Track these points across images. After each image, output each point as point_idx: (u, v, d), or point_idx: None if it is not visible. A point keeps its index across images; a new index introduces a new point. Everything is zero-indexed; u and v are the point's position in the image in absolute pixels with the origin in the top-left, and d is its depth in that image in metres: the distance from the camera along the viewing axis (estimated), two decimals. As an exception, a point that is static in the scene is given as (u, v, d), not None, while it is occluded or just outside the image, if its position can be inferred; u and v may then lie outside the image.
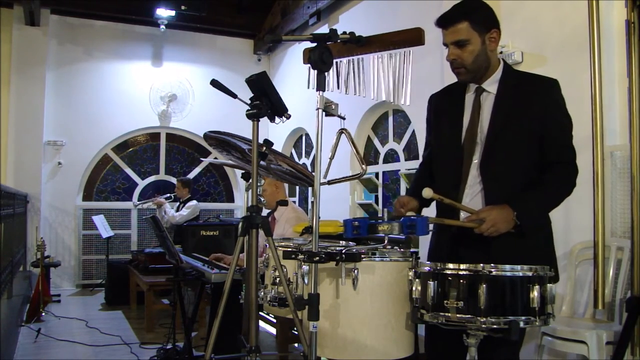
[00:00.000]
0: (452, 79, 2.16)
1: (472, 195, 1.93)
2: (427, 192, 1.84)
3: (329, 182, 2.08)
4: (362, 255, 1.72)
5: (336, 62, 2.35)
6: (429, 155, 2.16)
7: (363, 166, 2.07)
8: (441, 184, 1.98)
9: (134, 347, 4.43)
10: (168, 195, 6.97)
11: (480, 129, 1.94)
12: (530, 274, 1.64)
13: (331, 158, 2.04)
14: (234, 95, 2.19)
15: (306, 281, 1.73)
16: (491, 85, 1.97)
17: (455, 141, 1.98)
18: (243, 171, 2.44)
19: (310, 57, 1.69)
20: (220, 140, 2.15)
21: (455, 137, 1.98)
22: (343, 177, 2.27)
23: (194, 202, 6.70)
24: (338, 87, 2.19)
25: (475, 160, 1.93)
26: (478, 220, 1.80)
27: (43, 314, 5.36)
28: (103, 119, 7.64)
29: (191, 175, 8.23)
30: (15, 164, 7.00)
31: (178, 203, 6.81)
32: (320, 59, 1.67)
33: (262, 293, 1.93)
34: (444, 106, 2.09)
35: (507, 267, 1.64)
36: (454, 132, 1.99)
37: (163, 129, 8.17)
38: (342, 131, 2.05)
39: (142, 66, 7.92)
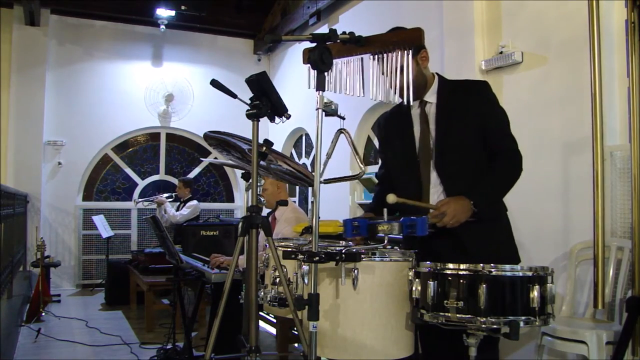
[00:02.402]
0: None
1: (438, 195, 2.09)
2: (391, 198, 1.92)
3: (327, 181, 2.09)
4: (362, 255, 1.72)
5: (336, 63, 2.35)
6: (384, 173, 2.36)
7: (362, 167, 2.09)
8: (405, 192, 2.12)
9: (134, 347, 4.43)
10: (169, 194, 6.97)
11: (431, 136, 2.14)
12: (530, 274, 1.65)
13: (328, 157, 2.06)
14: (234, 95, 2.19)
15: (306, 281, 1.73)
16: (431, 96, 2.17)
17: (411, 151, 2.17)
18: (243, 171, 2.43)
19: (310, 57, 1.69)
20: (220, 140, 2.15)
21: (410, 147, 2.18)
22: (341, 177, 2.27)
23: (195, 201, 6.70)
24: (339, 90, 2.19)
25: (432, 163, 2.12)
26: (440, 215, 1.91)
27: (43, 314, 5.36)
28: (103, 119, 7.64)
29: (191, 175, 8.23)
30: (15, 164, 6.99)
31: (179, 203, 6.81)
32: (320, 59, 1.67)
33: (262, 293, 1.93)
34: (393, 124, 2.29)
35: (507, 267, 1.65)
36: (408, 144, 2.19)
37: (163, 129, 8.17)
38: (341, 131, 2.06)
39: (142, 66, 7.92)
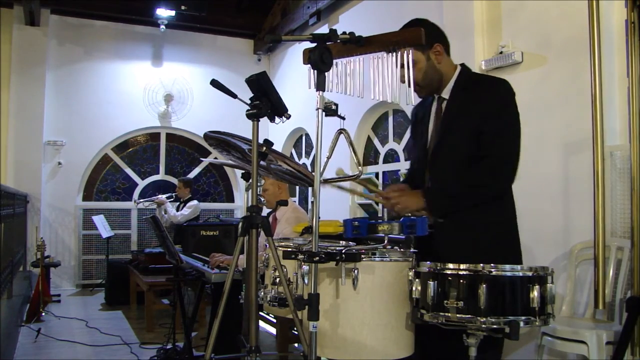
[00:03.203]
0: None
1: None
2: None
3: (325, 181, 2.09)
4: (362, 255, 1.72)
5: (336, 63, 2.36)
6: (411, 163, 2.35)
7: (360, 168, 2.11)
8: (417, 188, 2.14)
9: (134, 347, 4.43)
10: (169, 194, 6.97)
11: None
12: (530, 274, 1.65)
13: (328, 157, 2.06)
14: (234, 95, 2.19)
15: (306, 281, 1.73)
16: (447, 92, 2.11)
17: (423, 147, 2.14)
18: (243, 171, 2.43)
19: (310, 57, 1.69)
20: (220, 140, 2.15)
21: (424, 144, 2.14)
22: (340, 177, 2.27)
23: (195, 201, 6.71)
24: (339, 90, 2.20)
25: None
26: (385, 199, 1.99)
27: (43, 314, 5.36)
28: (103, 119, 7.64)
29: (191, 175, 8.23)
30: (15, 164, 6.99)
31: (178, 203, 6.82)
32: (320, 59, 1.67)
33: (262, 293, 1.93)
34: (419, 117, 2.25)
35: (507, 267, 1.65)
36: (423, 140, 2.15)
37: (163, 129, 8.18)
38: (341, 131, 2.06)
39: (142, 66, 7.92)
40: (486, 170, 1.96)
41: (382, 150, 6.05)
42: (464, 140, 2.00)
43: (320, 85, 1.71)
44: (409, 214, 1.91)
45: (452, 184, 2.00)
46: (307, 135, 7.56)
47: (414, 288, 1.74)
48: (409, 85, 2.06)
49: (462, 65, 2.14)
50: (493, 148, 1.96)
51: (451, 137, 2.03)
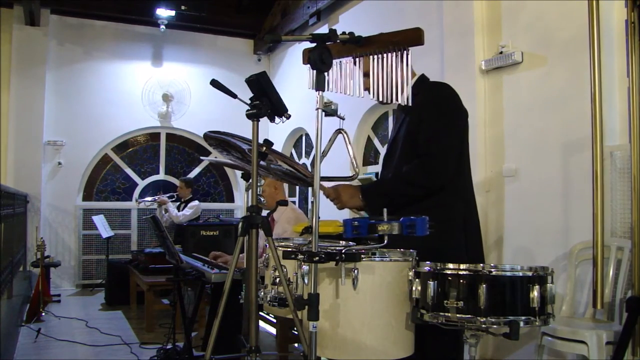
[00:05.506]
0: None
1: None
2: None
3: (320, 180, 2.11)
4: (362, 255, 1.72)
5: (336, 63, 2.37)
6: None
7: (356, 169, 2.15)
8: None
9: (134, 347, 4.42)
10: (170, 194, 6.98)
11: None
12: (530, 274, 1.65)
13: (324, 155, 2.08)
14: (234, 95, 2.19)
15: (306, 281, 1.73)
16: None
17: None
18: (243, 171, 2.43)
19: (309, 57, 1.69)
20: (220, 140, 2.15)
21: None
22: (335, 177, 2.29)
23: (197, 202, 6.71)
24: (339, 90, 2.21)
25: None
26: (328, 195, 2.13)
27: (43, 314, 5.35)
28: (103, 119, 7.63)
29: (191, 175, 8.24)
30: (15, 164, 6.99)
31: (179, 203, 6.81)
32: (319, 59, 1.67)
33: (262, 293, 1.93)
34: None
35: (507, 266, 1.65)
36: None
37: (163, 129, 8.17)
38: (339, 131, 2.07)
39: (142, 66, 7.92)
40: (418, 168, 2.07)
41: (382, 150, 6.05)
42: (405, 144, 2.13)
43: (320, 85, 1.71)
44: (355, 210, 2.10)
45: (386, 182, 2.17)
46: (307, 135, 7.56)
47: (414, 288, 1.74)
48: (404, 89, 2.09)
49: (421, 75, 2.25)
50: (426, 148, 2.08)
51: (398, 141, 2.16)
